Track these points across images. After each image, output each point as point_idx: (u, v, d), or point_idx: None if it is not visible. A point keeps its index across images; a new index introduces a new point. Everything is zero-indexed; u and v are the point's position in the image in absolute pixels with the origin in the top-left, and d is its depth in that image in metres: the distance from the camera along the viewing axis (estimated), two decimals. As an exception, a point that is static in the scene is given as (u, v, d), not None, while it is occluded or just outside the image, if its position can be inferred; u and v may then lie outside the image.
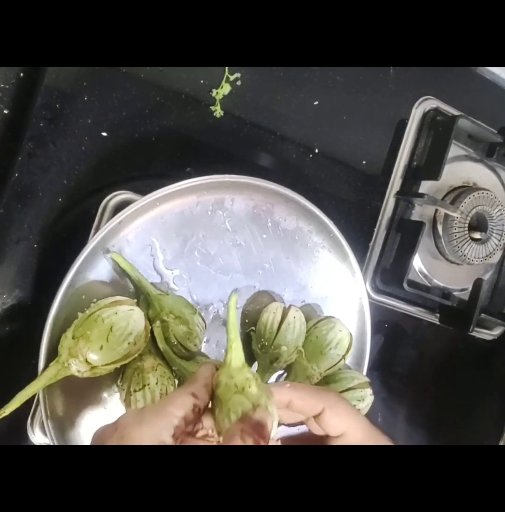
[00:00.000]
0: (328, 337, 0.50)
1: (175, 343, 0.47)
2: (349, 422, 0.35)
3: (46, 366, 0.43)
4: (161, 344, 0.47)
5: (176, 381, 0.48)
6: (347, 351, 0.51)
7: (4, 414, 0.41)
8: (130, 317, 0.43)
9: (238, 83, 0.57)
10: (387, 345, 0.66)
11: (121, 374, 0.46)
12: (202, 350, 0.51)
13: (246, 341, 0.52)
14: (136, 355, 0.45)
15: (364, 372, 0.55)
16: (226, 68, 0.56)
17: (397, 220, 0.64)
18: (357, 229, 0.63)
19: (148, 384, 0.44)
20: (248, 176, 0.50)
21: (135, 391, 0.44)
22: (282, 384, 0.35)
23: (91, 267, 0.46)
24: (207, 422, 0.34)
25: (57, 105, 0.51)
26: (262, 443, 0.31)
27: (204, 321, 0.49)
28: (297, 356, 0.51)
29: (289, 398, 0.34)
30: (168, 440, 0.31)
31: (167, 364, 0.47)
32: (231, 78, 0.56)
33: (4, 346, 0.51)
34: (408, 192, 0.63)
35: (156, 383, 0.44)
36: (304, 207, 0.52)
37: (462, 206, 0.62)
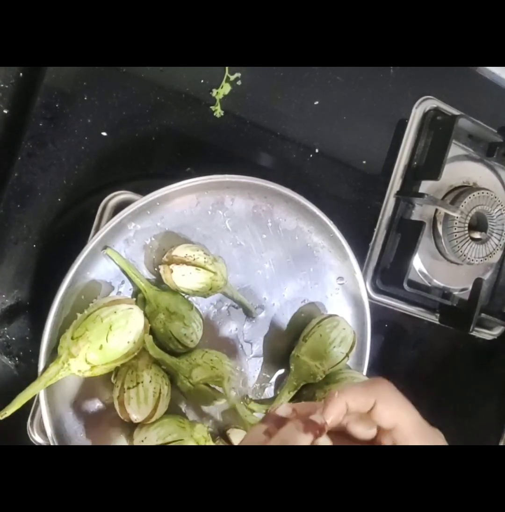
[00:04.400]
0: (332, 335, 0.50)
1: (171, 339, 0.47)
2: (400, 413, 0.35)
3: (46, 366, 0.43)
4: (151, 350, 0.47)
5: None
6: (351, 348, 0.51)
7: (5, 416, 0.41)
8: (129, 316, 0.44)
9: (239, 83, 0.56)
10: (387, 345, 0.66)
11: (115, 371, 0.46)
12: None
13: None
14: (136, 353, 0.45)
15: (364, 372, 0.55)
16: (227, 68, 0.56)
17: (397, 220, 0.64)
18: (357, 229, 0.63)
19: (142, 382, 0.44)
20: (248, 176, 0.50)
21: (129, 388, 0.44)
22: (330, 395, 0.35)
23: (91, 267, 0.46)
24: None
25: (57, 105, 0.51)
26: None
27: (201, 317, 0.49)
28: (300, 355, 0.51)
29: (344, 404, 0.34)
30: None
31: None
32: (232, 78, 0.56)
33: (3, 347, 0.51)
34: (408, 192, 0.63)
35: (150, 381, 0.44)
36: (304, 207, 0.52)
37: (462, 206, 0.62)
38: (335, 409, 0.34)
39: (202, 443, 0.46)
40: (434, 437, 0.35)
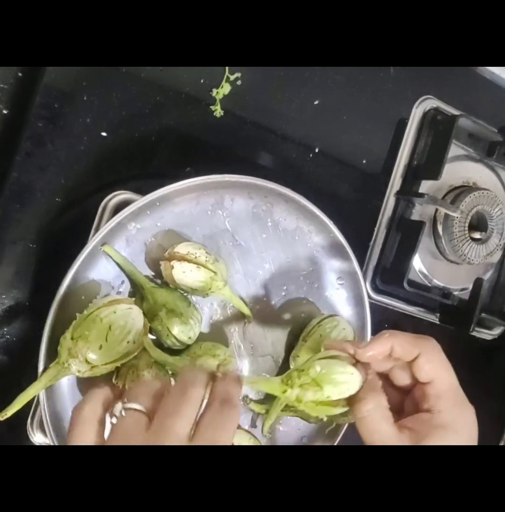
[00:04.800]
0: (332, 335, 0.50)
1: (169, 336, 0.47)
2: (440, 370, 0.36)
3: (46, 367, 0.43)
4: (152, 352, 0.46)
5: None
6: None
7: (5, 416, 0.40)
8: (128, 316, 0.43)
9: (239, 83, 0.56)
10: (387, 345, 0.66)
11: (116, 372, 0.46)
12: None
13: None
14: (136, 353, 0.45)
15: (364, 372, 0.55)
16: (227, 68, 0.56)
17: (397, 219, 0.64)
18: (357, 229, 0.62)
19: None
20: (248, 175, 0.49)
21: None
22: (381, 334, 0.37)
23: (91, 267, 0.46)
24: None
25: (56, 105, 0.51)
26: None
27: (199, 314, 0.49)
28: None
29: (390, 345, 0.36)
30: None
31: None
32: (232, 77, 0.56)
33: (4, 347, 0.51)
34: (408, 191, 0.63)
35: None
36: (304, 207, 0.52)
37: (462, 205, 0.62)
38: (380, 346, 0.36)
39: None
40: (466, 406, 0.36)
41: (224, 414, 0.31)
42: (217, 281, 0.48)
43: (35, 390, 0.42)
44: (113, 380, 0.46)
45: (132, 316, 0.44)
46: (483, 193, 0.63)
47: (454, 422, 0.35)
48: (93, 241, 0.45)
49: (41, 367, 0.43)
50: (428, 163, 0.63)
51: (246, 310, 0.52)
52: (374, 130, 0.63)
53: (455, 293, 0.67)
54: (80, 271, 0.45)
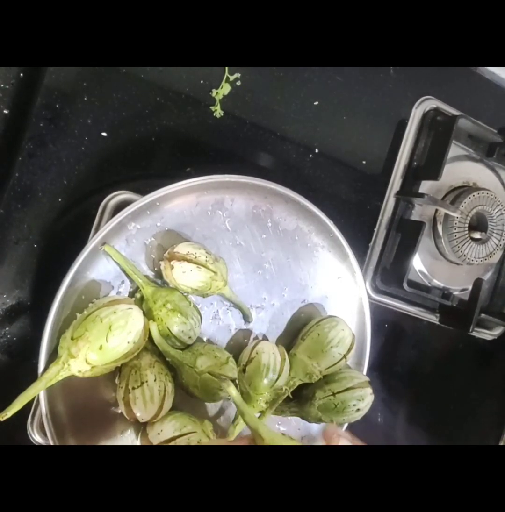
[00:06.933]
0: (330, 335, 0.50)
1: (169, 336, 0.47)
2: None
3: (46, 367, 0.43)
4: (156, 338, 0.47)
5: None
6: (349, 350, 0.51)
7: (6, 417, 0.40)
8: (129, 316, 0.44)
9: (238, 83, 0.57)
10: (387, 345, 0.66)
11: (118, 372, 0.46)
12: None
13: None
14: (136, 353, 0.45)
15: (364, 372, 0.55)
16: (226, 68, 0.56)
17: (397, 220, 0.64)
18: (357, 229, 0.63)
19: (147, 381, 0.44)
20: (248, 176, 0.50)
21: (133, 388, 0.44)
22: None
23: (91, 267, 0.46)
24: None
25: (57, 105, 0.51)
26: None
27: (199, 314, 0.49)
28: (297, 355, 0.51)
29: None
30: None
31: (164, 360, 0.48)
32: (231, 78, 0.56)
33: (4, 347, 0.51)
34: (408, 192, 0.63)
35: (155, 380, 0.45)
36: (304, 207, 0.52)
37: (462, 206, 0.62)
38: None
39: (211, 436, 0.46)
40: None
41: None
42: (217, 281, 0.48)
43: (35, 390, 0.42)
44: (116, 381, 0.46)
45: (132, 316, 0.44)
46: (483, 193, 0.63)
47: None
48: (93, 241, 0.45)
49: (41, 367, 0.43)
50: (428, 164, 0.63)
51: (246, 310, 0.52)
52: (374, 130, 0.64)
53: (455, 293, 0.67)
54: (80, 271, 0.45)
